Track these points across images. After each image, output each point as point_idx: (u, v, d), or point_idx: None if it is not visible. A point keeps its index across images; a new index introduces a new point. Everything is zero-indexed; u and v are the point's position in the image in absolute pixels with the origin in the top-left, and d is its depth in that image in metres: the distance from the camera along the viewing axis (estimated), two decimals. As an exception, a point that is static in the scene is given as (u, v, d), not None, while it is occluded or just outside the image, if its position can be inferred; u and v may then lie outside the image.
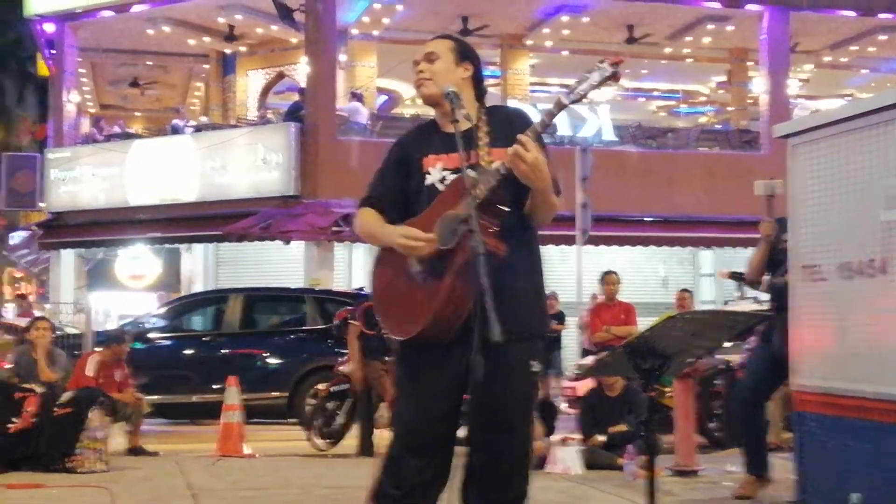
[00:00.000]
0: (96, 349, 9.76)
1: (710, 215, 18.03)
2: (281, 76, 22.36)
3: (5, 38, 31.82)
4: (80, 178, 19.48)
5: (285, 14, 18.42)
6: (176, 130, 19.94)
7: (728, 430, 9.08)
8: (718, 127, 24.30)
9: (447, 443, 3.30)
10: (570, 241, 13.06)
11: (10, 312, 18.59)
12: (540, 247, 3.41)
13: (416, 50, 3.54)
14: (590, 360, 10.49)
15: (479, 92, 3.46)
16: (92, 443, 7.85)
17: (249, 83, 22.43)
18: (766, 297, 6.97)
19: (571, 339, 15.42)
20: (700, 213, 18.20)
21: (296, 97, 19.58)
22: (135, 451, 8.99)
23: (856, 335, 4.73)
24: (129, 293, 21.37)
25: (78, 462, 7.73)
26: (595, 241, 14.41)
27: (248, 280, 17.47)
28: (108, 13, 20.12)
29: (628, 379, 7.88)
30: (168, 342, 12.56)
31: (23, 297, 23.89)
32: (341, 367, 9.79)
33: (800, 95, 22.25)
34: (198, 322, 13.61)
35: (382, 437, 8.05)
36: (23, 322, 12.37)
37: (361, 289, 13.28)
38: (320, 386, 10.45)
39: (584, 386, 9.02)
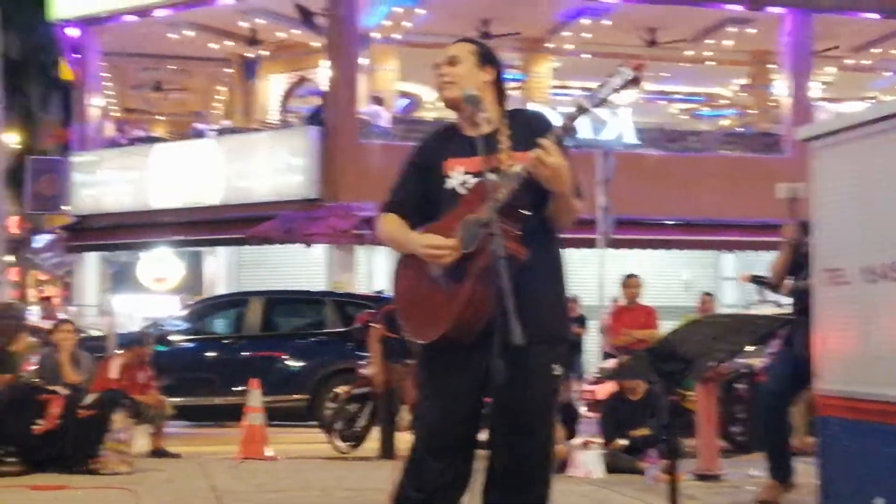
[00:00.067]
0: (119, 351, 9.80)
1: (733, 218, 17.93)
2: (302, 80, 22.41)
3: (29, 42, 32.04)
4: (104, 182, 19.63)
5: (307, 18, 18.49)
6: (199, 134, 20.05)
7: (751, 434, 9.04)
8: (740, 130, 24.09)
9: (468, 445, 3.31)
10: (591, 244, 13.03)
11: (34, 315, 18.71)
12: (562, 250, 3.41)
13: (437, 54, 3.53)
14: (611, 363, 10.49)
15: (501, 96, 3.46)
16: (115, 445, 7.92)
17: (271, 87, 22.48)
18: (786, 301, 6.94)
19: (593, 342, 15.40)
20: (722, 217, 18.10)
21: (317, 101, 19.63)
22: (158, 452, 9.03)
23: (879, 339, 4.69)
24: (152, 296, 21.47)
25: (101, 464, 7.79)
26: (616, 244, 14.37)
27: (270, 283, 17.50)
28: (131, 18, 20.22)
29: (650, 382, 7.86)
30: (190, 345, 12.61)
31: (47, 299, 24.06)
32: (363, 370, 9.83)
33: (822, 98, 22.10)
34: (220, 325, 13.66)
35: (404, 439, 8.06)
36: (47, 325, 12.47)
37: (382, 292, 13.31)
38: (340, 389, 10.49)
39: (604, 390, 8.99)
